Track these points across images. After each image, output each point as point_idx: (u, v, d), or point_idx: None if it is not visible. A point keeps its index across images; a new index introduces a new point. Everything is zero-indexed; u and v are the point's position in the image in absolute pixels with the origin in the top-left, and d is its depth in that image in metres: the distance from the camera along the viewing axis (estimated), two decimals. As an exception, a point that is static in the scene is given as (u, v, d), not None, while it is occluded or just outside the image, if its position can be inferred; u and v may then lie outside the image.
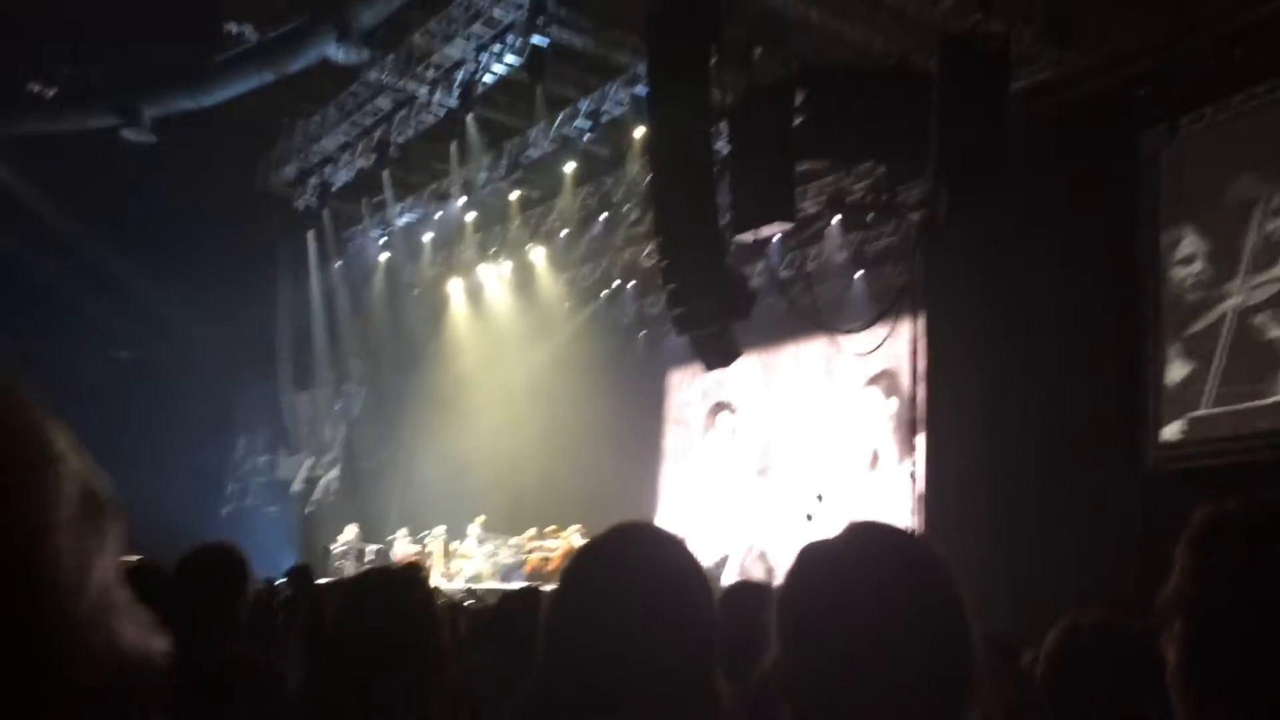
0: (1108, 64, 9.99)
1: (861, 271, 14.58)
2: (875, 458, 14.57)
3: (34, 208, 18.26)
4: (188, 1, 15.19)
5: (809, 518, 12.44)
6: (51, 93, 17.13)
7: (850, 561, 1.31)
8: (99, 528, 0.44)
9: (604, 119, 14.98)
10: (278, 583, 6.06)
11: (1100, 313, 9.93)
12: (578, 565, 1.51)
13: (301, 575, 5.27)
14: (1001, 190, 9.04)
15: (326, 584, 4.81)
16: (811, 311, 10.96)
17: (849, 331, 11.61)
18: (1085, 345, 9.81)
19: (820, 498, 12.68)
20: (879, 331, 11.50)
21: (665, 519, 17.50)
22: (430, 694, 1.95)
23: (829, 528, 1.50)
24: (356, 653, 1.96)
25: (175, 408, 18.79)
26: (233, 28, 15.65)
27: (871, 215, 13.86)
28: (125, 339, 19.80)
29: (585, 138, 15.39)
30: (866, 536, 1.37)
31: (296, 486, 19.94)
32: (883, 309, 11.64)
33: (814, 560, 1.35)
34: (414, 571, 2.16)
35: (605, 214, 16.77)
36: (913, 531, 1.51)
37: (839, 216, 14.34)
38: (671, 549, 1.52)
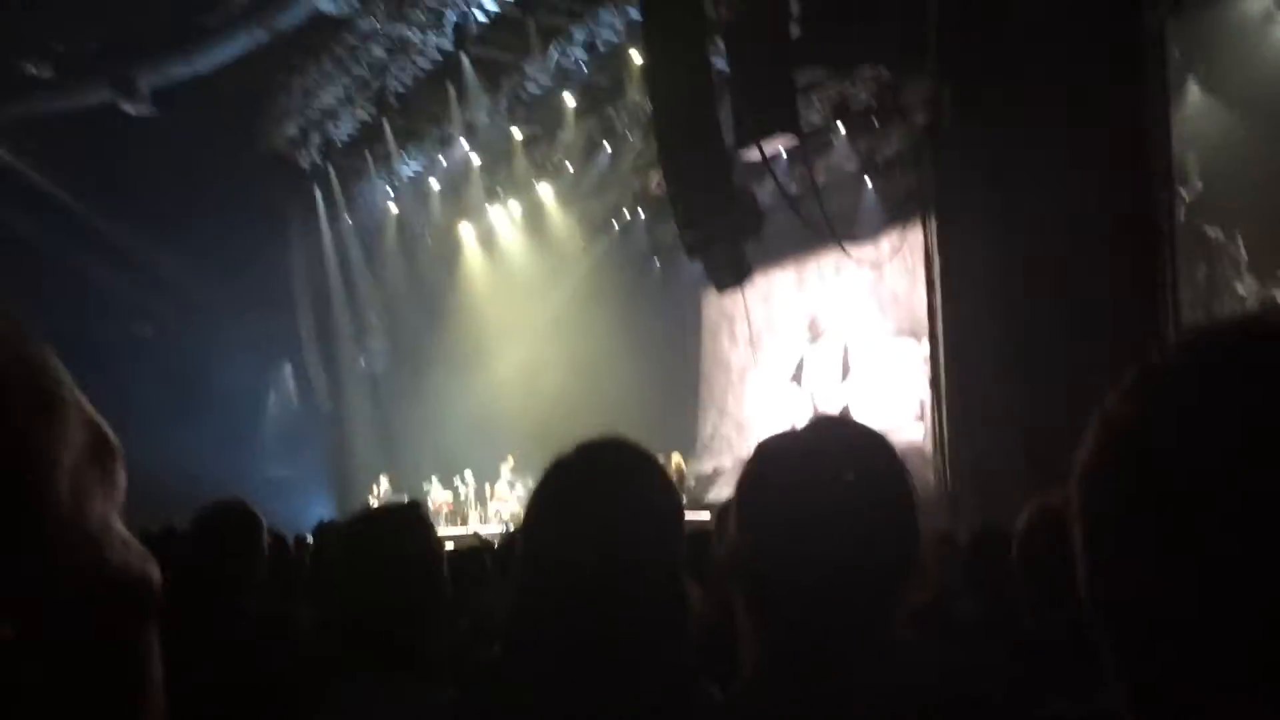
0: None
1: (871, 179, 14.40)
2: (892, 364, 14.54)
3: (43, 188, 18.37)
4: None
5: None
6: (48, 73, 17.11)
7: (807, 450, 1.32)
8: (103, 472, 0.48)
9: (600, 47, 14.77)
10: (308, 538, 6.18)
11: (1115, 199, 9.76)
12: (545, 482, 1.51)
13: (325, 530, 5.35)
14: (1005, 82, 8.85)
15: (330, 528, 4.85)
16: (822, 224, 10.85)
17: (861, 241, 11.51)
18: (1100, 233, 9.66)
19: (845, 410, 12.67)
20: (893, 239, 11.40)
21: (700, 438, 17.64)
22: (429, 629, 1.97)
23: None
24: (354, 592, 1.99)
25: (201, 375, 19.02)
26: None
27: (877, 121, 13.62)
28: (146, 312, 19.95)
29: (583, 68, 15.19)
30: (825, 429, 1.37)
31: (328, 442, 20.20)
32: (894, 216, 11.51)
33: (773, 449, 1.35)
34: (410, 510, 2.16)
35: (609, 144, 16.62)
36: (875, 429, 1.53)
37: (844, 125, 14.11)
38: (641, 459, 1.52)
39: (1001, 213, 9.74)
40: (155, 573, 0.48)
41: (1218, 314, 9.61)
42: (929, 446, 12.53)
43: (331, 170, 18.39)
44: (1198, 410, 0.67)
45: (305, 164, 18.54)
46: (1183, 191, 9.92)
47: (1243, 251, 9.61)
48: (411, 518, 2.13)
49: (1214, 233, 9.77)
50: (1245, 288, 9.58)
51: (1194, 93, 9.96)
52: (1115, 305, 9.42)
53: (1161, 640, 0.68)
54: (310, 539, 5.75)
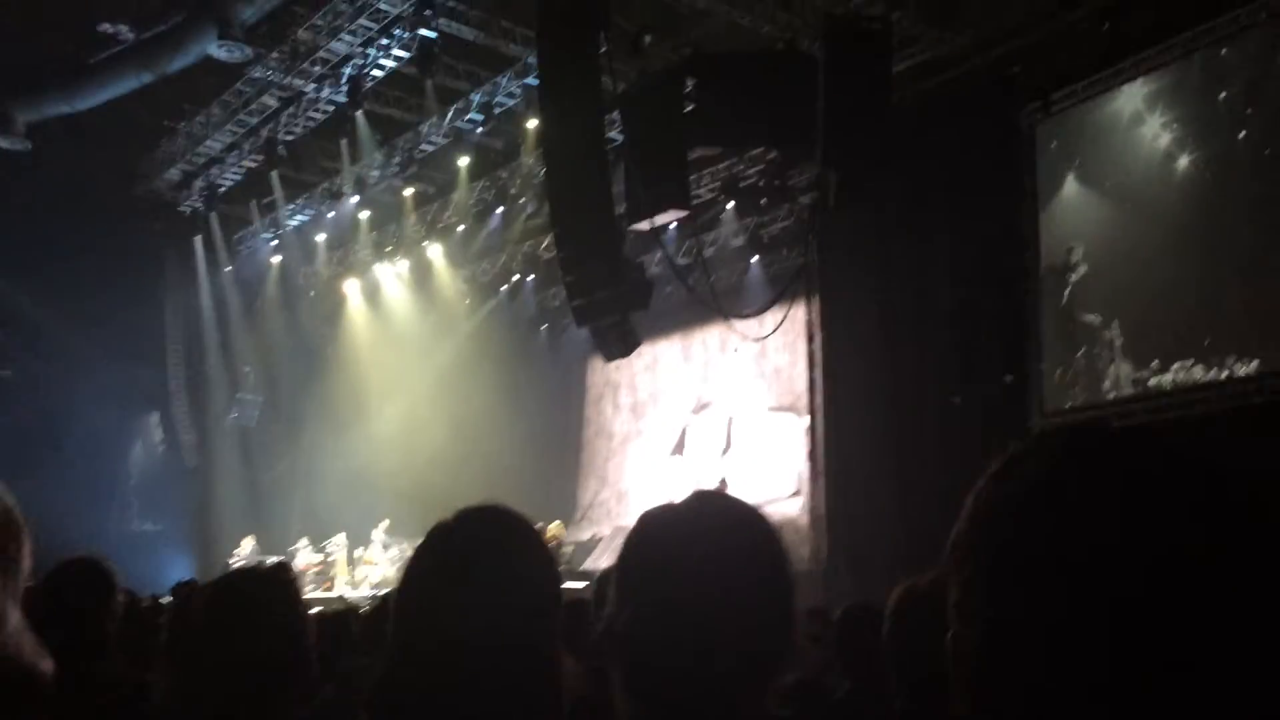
0: (984, 43, 10.25)
1: (757, 256, 14.74)
2: (772, 438, 14.76)
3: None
4: (60, 1, 14.61)
5: None
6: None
7: (689, 525, 1.33)
8: (6, 557, 0.46)
9: (497, 111, 14.85)
10: (164, 599, 5.89)
11: (987, 286, 10.18)
12: (422, 550, 1.49)
13: (185, 590, 5.11)
14: (888, 170, 9.20)
15: (193, 590, 4.65)
16: (709, 298, 11.02)
17: (746, 316, 11.73)
18: (973, 315, 10.05)
19: (724, 482, 12.79)
20: (776, 315, 11.61)
21: (580, 506, 17.52)
22: (293, 697, 1.90)
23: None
24: (216, 658, 1.91)
25: (64, 424, 18.11)
26: (108, 27, 15.09)
27: (765, 200, 13.98)
28: (5, 354, 18.96)
29: (478, 131, 15.24)
30: (707, 504, 1.38)
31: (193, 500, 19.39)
32: (778, 293, 11.76)
33: (653, 522, 1.35)
34: (278, 572, 2.09)
35: (502, 207, 16.65)
36: (755, 506, 1.57)
37: (733, 202, 14.45)
38: (519, 529, 1.50)
39: (880, 293, 10.08)
40: (47, 665, 0.47)
41: (1094, 396, 10.06)
42: (805, 520, 12.71)
43: (213, 218, 17.90)
44: (1050, 499, 0.78)
45: (186, 210, 18.03)
46: (1069, 277, 10.37)
47: (1119, 336, 10.07)
48: (277, 581, 2.06)
49: (1092, 318, 10.23)
50: (1120, 370, 10.02)
51: (1073, 185, 10.48)
52: (986, 384, 9.80)
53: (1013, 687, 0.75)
54: (169, 600, 5.51)
